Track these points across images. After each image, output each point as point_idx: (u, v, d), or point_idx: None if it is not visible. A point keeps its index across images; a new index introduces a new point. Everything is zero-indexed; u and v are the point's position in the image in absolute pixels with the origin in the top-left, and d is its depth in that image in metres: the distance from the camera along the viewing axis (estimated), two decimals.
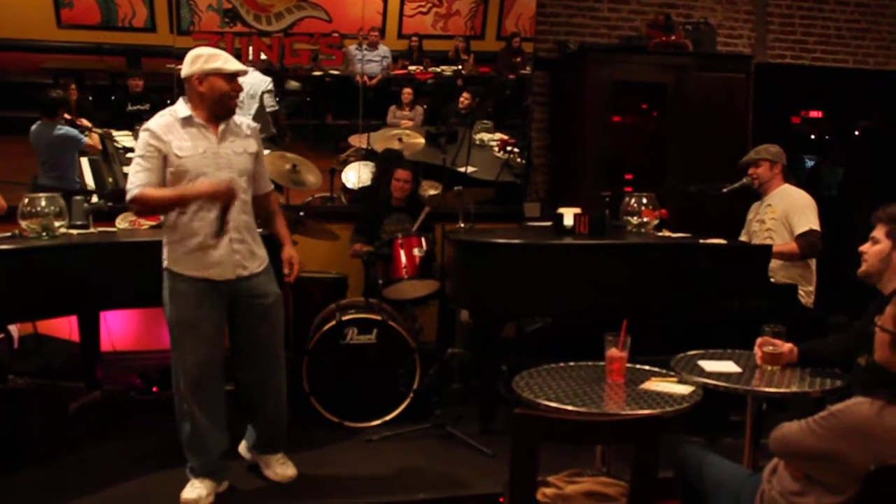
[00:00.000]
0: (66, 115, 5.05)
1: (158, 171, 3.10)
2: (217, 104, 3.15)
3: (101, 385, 4.50)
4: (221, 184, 3.08)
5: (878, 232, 2.70)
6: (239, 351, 3.37)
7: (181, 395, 3.23)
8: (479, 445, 3.83)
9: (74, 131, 5.03)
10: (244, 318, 3.29)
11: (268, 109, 5.65)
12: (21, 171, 5.03)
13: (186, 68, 3.15)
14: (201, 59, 3.13)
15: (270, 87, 5.63)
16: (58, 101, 4.99)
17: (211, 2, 5.51)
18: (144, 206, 3.17)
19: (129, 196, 3.08)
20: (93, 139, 5.19)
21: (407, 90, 6.00)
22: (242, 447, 3.61)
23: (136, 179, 3.07)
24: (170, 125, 3.13)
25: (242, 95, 5.23)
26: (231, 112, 3.22)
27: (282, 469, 3.50)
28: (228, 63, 3.13)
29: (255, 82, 5.57)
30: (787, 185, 4.46)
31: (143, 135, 3.12)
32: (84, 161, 5.29)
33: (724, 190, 4.59)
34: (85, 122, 5.17)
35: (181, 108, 3.17)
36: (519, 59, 6.14)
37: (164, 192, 3.09)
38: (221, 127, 3.20)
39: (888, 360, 2.11)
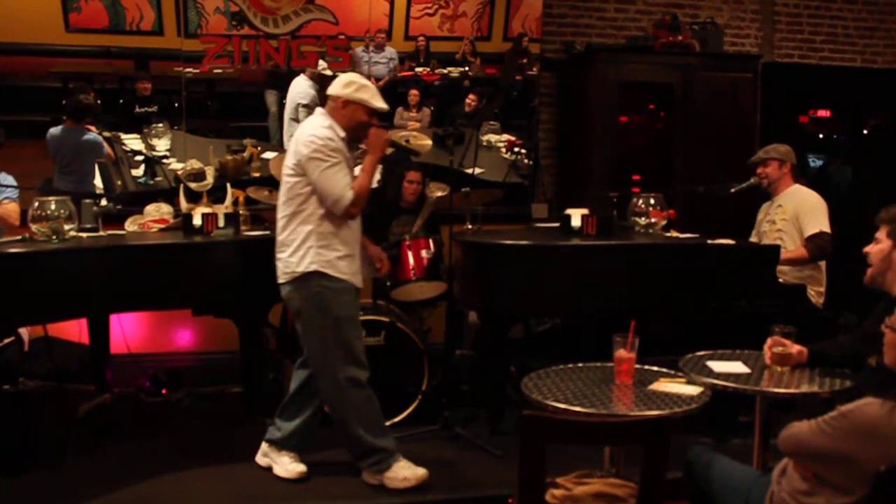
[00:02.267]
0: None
1: (349, 171, 3.36)
2: (353, 130, 3.38)
3: (110, 388, 4.52)
4: (384, 142, 3.46)
5: (881, 233, 2.75)
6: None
7: (359, 384, 3.37)
8: (488, 447, 3.84)
9: (100, 138, 5.04)
10: None
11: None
12: (30, 175, 5.00)
13: (338, 89, 3.36)
14: (353, 86, 3.35)
15: (307, 101, 5.64)
16: (88, 106, 4.99)
17: (218, 4, 5.53)
18: (360, 201, 3.34)
19: (345, 201, 3.27)
20: (107, 147, 5.21)
21: (414, 92, 6.01)
22: (259, 456, 3.63)
23: (341, 183, 3.29)
24: (338, 140, 3.33)
25: (288, 102, 5.50)
26: (361, 142, 3.44)
27: (293, 466, 3.54)
28: (374, 99, 3.37)
29: (300, 91, 5.66)
30: (797, 186, 4.44)
31: (324, 142, 3.28)
32: None
33: (732, 190, 4.58)
34: (92, 130, 5.16)
35: (337, 128, 3.35)
36: (525, 60, 6.14)
37: (362, 178, 3.36)
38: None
39: None
